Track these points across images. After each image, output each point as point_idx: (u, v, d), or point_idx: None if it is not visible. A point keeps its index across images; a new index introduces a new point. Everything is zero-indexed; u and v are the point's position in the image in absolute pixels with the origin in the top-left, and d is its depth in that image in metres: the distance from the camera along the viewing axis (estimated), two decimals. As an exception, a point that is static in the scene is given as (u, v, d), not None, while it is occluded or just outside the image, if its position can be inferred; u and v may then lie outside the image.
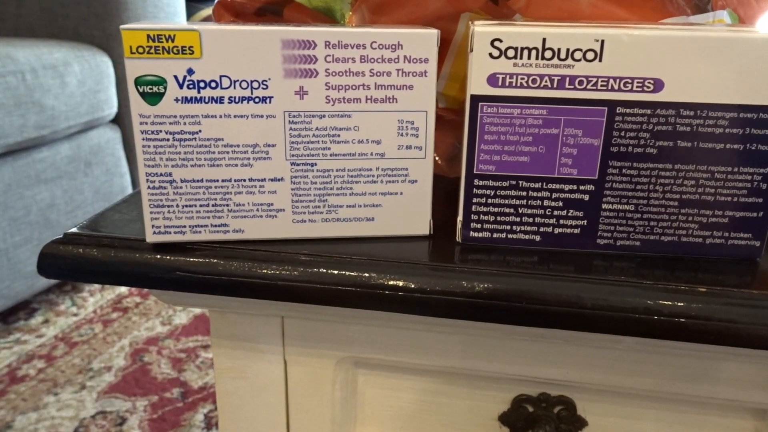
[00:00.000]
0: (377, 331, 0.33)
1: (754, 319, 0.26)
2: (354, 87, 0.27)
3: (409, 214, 0.30)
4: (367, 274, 0.29)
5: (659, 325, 0.26)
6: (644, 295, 0.27)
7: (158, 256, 0.29)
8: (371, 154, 0.28)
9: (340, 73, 0.27)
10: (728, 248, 0.29)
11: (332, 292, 0.29)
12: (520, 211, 0.29)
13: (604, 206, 0.29)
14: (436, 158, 0.38)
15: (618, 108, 0.27)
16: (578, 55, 0.26)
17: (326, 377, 0.35)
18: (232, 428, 0.38)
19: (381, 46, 0.27)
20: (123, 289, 1.24)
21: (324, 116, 0.28)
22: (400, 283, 0.28)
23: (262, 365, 0.35)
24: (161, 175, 0.28)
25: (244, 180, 0.28)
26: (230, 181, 0.28)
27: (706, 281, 0.27)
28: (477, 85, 0.27)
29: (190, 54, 0.26)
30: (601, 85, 0.27)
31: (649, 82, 0.26)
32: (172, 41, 0.26)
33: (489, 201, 0.29)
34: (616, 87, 0.27)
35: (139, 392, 0.93)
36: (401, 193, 0.29)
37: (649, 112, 0.27)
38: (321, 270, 0.29)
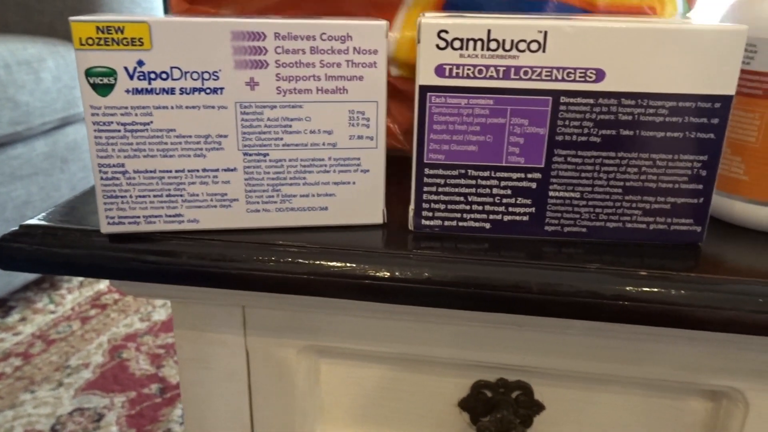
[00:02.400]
0: (339, 320, 0.34)
1: (695, 301, 0.27)
2: (304, 78, 0.28)
3: (362, 203, 0.30)
4: (321, 263, 0.29)
5: (603, 308, 0.27)
6: (589, 279, 0.27)
7: (112, 246, 0.29)
8: (323, 144, 0.29)
9: (291, 65, 0.27)
10: (671, 234, 0.30)
11: (288, 280, 0.29)
12: (470, 200, 0.30)
13: (551, 194, 0.29)
14: (396, 133, 0.38)
15: (562, 98, 0.28)
16: (522, 46, 0.27)
17: (288, 366, 0.35)
18: (196, 418, 0.38)
19: (330, 38, 0.27)
20: (102, 286, 1.23)
21: (275, 107, 0.28)
22: (354, 271, 0.29)
23: (224, 355, 0.36)
24: (114, 166, 0.28)
25: (198, 170, 0.28)
26: (183, 171, 0.28)
27: (650, 265, 0.28)
28: (425, 75, 0.28)
29: (139, 45, 0.26)
30: (545, 76, 0.27)
31: (591, 72, 0.27)
32: (122, 33, 0.26)
33: (439, 190, 0.30)
34: (559, 77, 0.27)
35: (117, 388, 0.93)
36: (354, 183, 0.30)
37: (591, 101, 0.28)
38: (276, 259, 0.29)
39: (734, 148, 0.31)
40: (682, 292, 0.27)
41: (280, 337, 0.35)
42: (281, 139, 0.29)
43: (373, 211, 0.31)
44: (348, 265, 0.29)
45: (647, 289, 0.27)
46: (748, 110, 0.30)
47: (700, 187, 0.29)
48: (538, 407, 0.35)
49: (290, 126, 0.28)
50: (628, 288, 0.27)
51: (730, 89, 0.27)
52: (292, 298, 0.33)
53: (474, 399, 0.35)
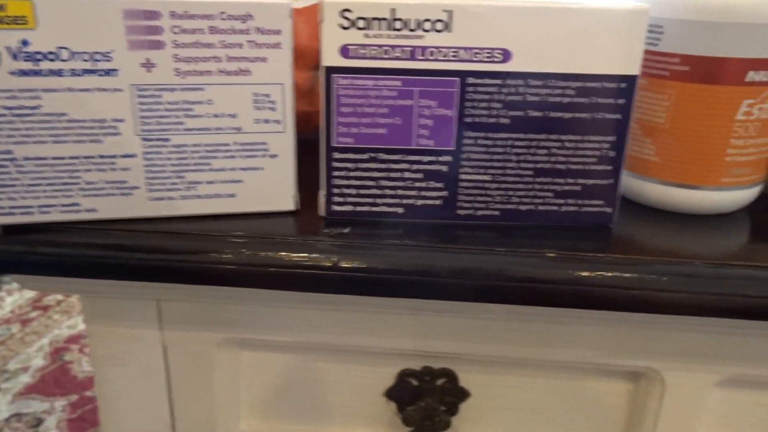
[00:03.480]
0: (257, 311, 0.33)
1: (604, 282, 0.27)
2: (204, 59, 0.27)
3: (273, 189, 0.29)
4: (229, 252, 0.28)
5: (512, 290, 0.27)
6: (497, 261, 0.27)
7: (4, 238, 0.27)
8: (227, 128, 0.28)
9: (189, 45, 0.26)
10: (582, 215, 0.30)
11: (196, 270, 0.28)
12: (381, 184, 0.29)
13: (462, 177, 0.29)
14: None
15: (469, 78, 0.27)
16: (428, 25, 0.26)
17: (208, 360, 0.34)
18: (113, 417, 0.37)
19: (230, 17, 0.26)
20: (44, 287, 1.19)
21: (175, 89, 0.27)
22: (264, 260, 0.28)
23: (140, 351, 0.34)
24: (1, 153, 0.26)
25: (93, 157, 0.27)
26: (78, 158, 0.27)
27: (560, 247, 0.28)
28: (329, 56, 0.27)
29: (23, 24, 0.25)
30: (452, 56, 0.27)
31: (497, 53, 0.27)
32: (3, 11, 0.25)
33: (350, 174, 0.29)
34: (466, 57, 0.27)
35: (58, 392, 0.90)
36: (262, 169, 0.29)
37: (499, 82, 0.27)
38: (184, 249, 0.28)
39: (645, 130, 0.31)
40: (591, 273, 0.27)
41: (198, 330, 0.34)
42: (182, 123, 0.27)
43: (284, 198, 0.30)
44: (258, 253, 0.28)
45: (556, 270, 0.27)
46: (657, 91, 0.30)
47: (610, 168, 0.29)
48: (464, 394, 0.35)
49: (192, 110, 0.27)
50: (536, 270, 0.27)
51: (634, 69, 0.27)
52: (206, 290, 0.32)
53: (400, 388, 0.35)
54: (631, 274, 0.27)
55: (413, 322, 0.32)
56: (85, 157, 0.27)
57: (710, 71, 0.28)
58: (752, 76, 0.28)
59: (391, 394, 0.35)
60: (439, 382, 0.35)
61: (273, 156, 0.29)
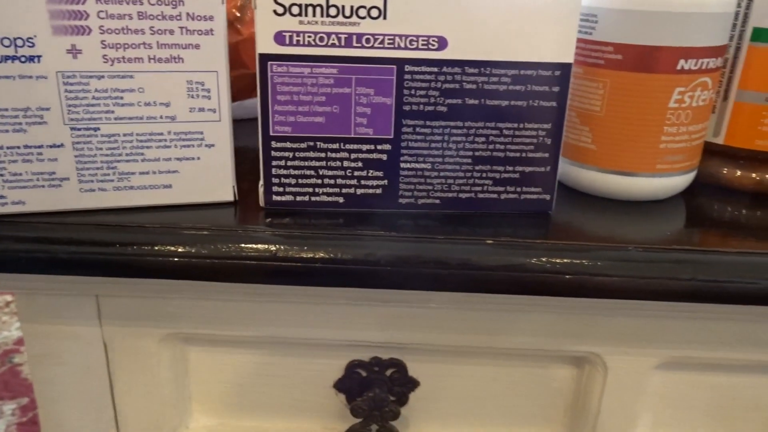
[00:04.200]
0: (201, 305, 0.32)
1: (543, 268, 0.28)
2: (134, 46, 0.26)
3: (210, 179, 0.29)
4: (167, 244, 0.27)
5: (450, 278, 0.27)
6: (435, 249, 0.27)
7: (-77, 233, 0.26)
8: (160, 117, 0.27)
9: (117, 31, 0.26)
10: (522, 202, 0.30)
11: (132, 263, 0.28)
12: (321, 173, 0.29)
13: (402, 165, 0.29)
14: None
15: (406, 66, 0.27)
16: (363, 12, 0.26)
17: (151, 356, 0.33)
18: (54, 419, 0.35)
19: (160, 2, 0.26)
20: (-8, 288, 1.15)
21: (103, 77, 0.26)
22: (202, 252, 0.27)
23: (79, 349, 0.33)
24: None
25: (18, 147, 0.26)
26: (2, 148, 0.26)
27: (499, 234, 0.28)
28: (264, 43, 0.26)
29: (-63, 8, 0.24)
30: (388, 43, 0.27)
31: (433, 40, 0.27)
32: None
33: (288, 164, 0.29)
34: (402, 45, 0.27)
35: (7, 395, 0.87)
36: (198, 158, 0.28)
37: (435, 70, 0.27)
38: (118, 242, 0.27)
39: (582, 118, 0.31)
40: (528, 259, 0.27)
41: (140, 326, 0.33)
42: (112, 112, 0.27)
43: (223, 188, 0.29)
44: (196, 245, 0.28)
45: (494, 257, 0.27)
46: (593, 80, 0.30)
47: (547, 155, 0.29)
48: (413, 383, 0.35)
49: (122, 98, 0.27)
50: (474, 256, 0.27)
51: (568, 57, 0.27)
52: (147, 284, 0.31)
53: (349, 379, 0.35)
54: (567, 259, 0.27)
55: (360, 313, 0.32)
56: (9, 147, 0.26)
57: (642, 60, 0.29)
58: (683, 64, 0.29)
59: (340, 386, 0.35)
60: (388, 372, 0.35)
61: (209, 145, 0.28)
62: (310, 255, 0.27)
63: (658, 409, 0.35)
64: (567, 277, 0.27)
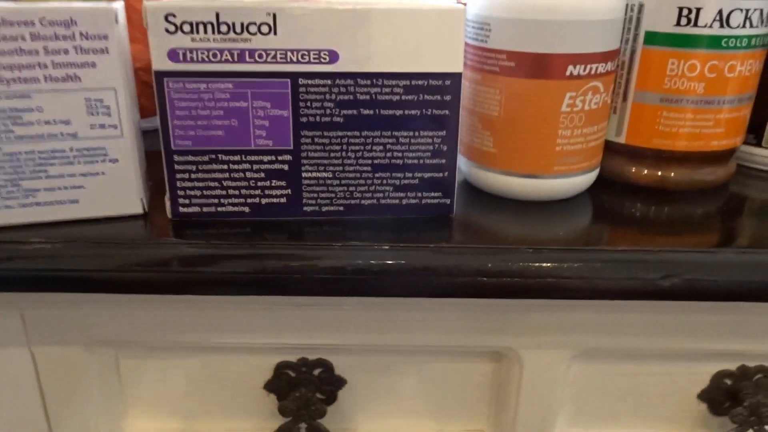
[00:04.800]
0: (126, 314, 0.33)
1: (449, 269, 0.29)
2: (29, 66, 0.27)
3: (117, 193, 0.30)
4: (78, 257, 0.28)
5: (347, 282, 0.28)
6: (332, 255, 0.28)
7: None
8: (61, 135, 0.28)
9: (10, 52, 0.26)
10: (423, 207, 0.31)
11: (43, 279, 0.28)
12: (225, 185, 0.30)
13: (305, 175, 0.30)
14: None
15: (300, 79, 0.28)
16: (253, 28, 0.27)
17: (78, 366, 0.34)
18: (-15, 432, 0.36)
19: (52, 23, 0.26)
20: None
21: (0, 98, 0.27)
22: (112, 263, 0.28)
23: (7, 364, 0.34)
24: None
25: None
26: None
27: (399, 239, 0.29)
28: (159, 60, 0.27)
29: None
30: (281, 58, 0.28)
31: (324, 54, 0.28)
32: None
33: (192, 176, 0.29)
34: (294, 59, 0.28)
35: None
36: (103, 174, 0.29)
37: (329, 82, 0.28)
38: (35, 255, 0.28)
39: (484, 123, 0.33)
40: (435, 260, 0.29)
41: (66, 337, 0.33)
42: (12, 131, 0.27)
43: (131, 201, 0.30)
44: (107, 257, 0.28)
45: (389, 261, 0.28)
46: (490, 86, 0.32)
47: (443, 161, 0.30)
48: (340, 382, 0.36)
49: (20, 117, 0.27)
50: (368, 261, 0.28)
51: (457, 67, 0.28)
52: (69, 296, 0.31)
53: (278, 380, 0.36)
54: (467, 260, 0.29)
55: (284, 316, 0.33)
56: None
57: (534, 67, 0.30)
58: (572, 70, 0.30)
59: (269, 386, 0.36)
60: (316, 372, 0.36)
61: (113, 161, 0.29)
62: (217, 266, 0.28)
63: (577, 400, 0.36)
64: (468, 278, 0.28)
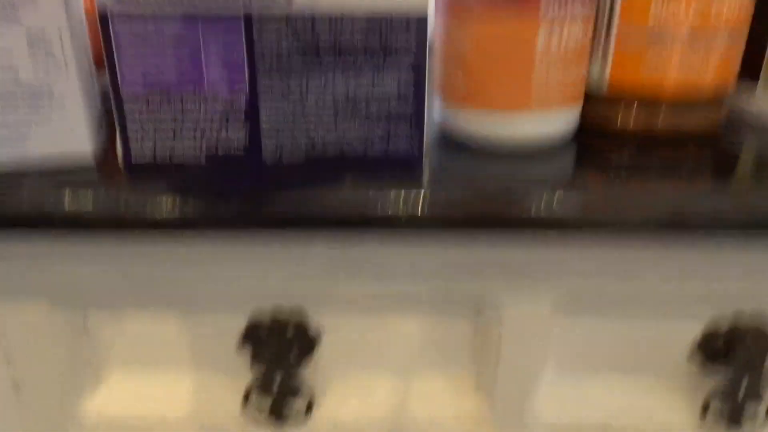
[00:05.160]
0: (90, 270, 0.32)
1: (422, 215, 0.28)
2: (-37, 2, 0.25)
3: (67, 138, 0.28)
4: (27, 203, 0.27)
5: (312, 225, 0.27)
6: (300, 199, 0.27)
7: None
8: (3, 76, 0.26)
9: (-60, -13, 0.24)
10: (390, 152, 0.30)
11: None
12: (178, 130, 0.28)
13: (264, 120, 0.28)
14: None
15: (255, 20, 0.26)
16: (203, -37, 0.25)
17: (44, 325, 0.33)
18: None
19: (-17, -45, 0.24)
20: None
21: (-67, 36, 0.25)
22: (62, 212, 0.27)
23: None
24: None
25: None
26: None
27: (372, 183, 0.28)
28: (103, 0, 0.25)
29: None
30: (233, -4, 0.26)
31: (279, -9, 0.26)
32: None
33: (144, 122, 0.28)
34: (248, -2, 0.26)
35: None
36: (51, 117, 0.28)
37: (285, 24, 0.26)
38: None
39: (456, 63, 0.31)
40: (392, 206, 0.28)
41: (27, 294, 0.33)
42: (-51, 72, 0.26)
43: (81, 147, 0.29)
44: (57, 205, 0.27)
45: (357, 205, 0.27)
46: (461, 25, 0.29)
47: (412, 107, 0.28)
48: (316, 335, 0.35)
49: (-43, 57, 0.26)
50: (336, 203, 0.27)
51: (422, 7, 0.26)
52: (22, 248, 0.31)
53: (252, 332, 0.35)
54: (437, 205, 0.28)
55: (254, 267, 0.32)
56: None
57: (507, 4, 0.28)
58: (547, 6, 0.28)
59: (244, 339, 0.35)
60: (290, 324, 0.35)
61: (60, 103, 0.28)
62: (171, 214, 0.27)
63: (559, 350, 0.35)
64: (437, 224, 0.27)
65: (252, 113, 0.28)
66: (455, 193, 0.28)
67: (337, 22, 0.26)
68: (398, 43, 0.27)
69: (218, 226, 0.28)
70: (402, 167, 0.30)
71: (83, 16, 0.29)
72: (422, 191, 0.28)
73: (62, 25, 0.26)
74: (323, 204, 0.28)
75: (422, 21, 0.27)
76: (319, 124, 0.29)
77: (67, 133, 0.28)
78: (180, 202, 0.28)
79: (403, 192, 0.28)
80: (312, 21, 0.26)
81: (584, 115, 0.34)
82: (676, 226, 0.28)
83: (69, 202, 0.27)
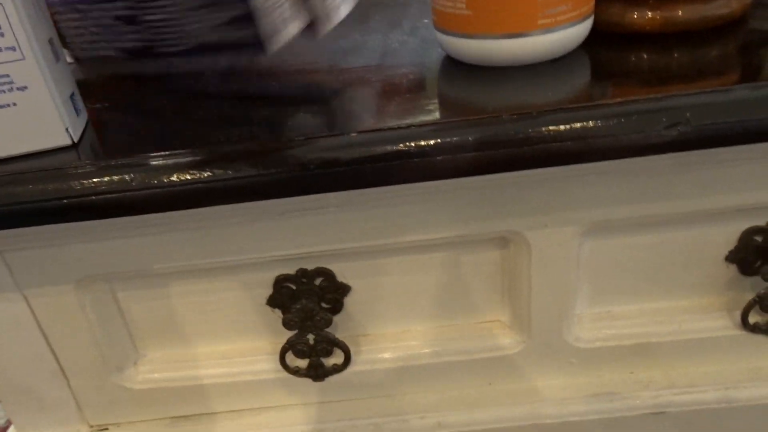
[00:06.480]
0: (111, 245, 0.30)
1: (436, 148, 0.25)
2: None
3: (39, 124, 0.26)
4: (22, 188, 0.25)
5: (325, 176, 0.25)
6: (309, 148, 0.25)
7: None
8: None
9: None
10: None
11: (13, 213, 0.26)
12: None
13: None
14: None
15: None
16: None
17: (70, 302, 0.32)
18: (2, 379, 0.35)
19: None
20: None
21: None
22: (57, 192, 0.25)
23: (5, 308, 0.32)
24: None
25: None
26: None
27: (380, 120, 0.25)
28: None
29: None
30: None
31: None
32: None
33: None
34: None
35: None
36: (15, 104, 0.25)
37: None
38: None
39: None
40: (405, 143, 0.25)
41: (51, 274, 0.31)
42: None
43: (55, 132, 0.26)
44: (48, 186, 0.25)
45: (370, 146, 0.25)
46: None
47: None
48: (344, 289, 0.33)
49: None
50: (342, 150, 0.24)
51: None
52: (48, 232, 0.29)
53: (279, 295, 0.33)
54: (449, 137, 0.25)
55: (279, 226, 0.30)
56: None
57: None
58: None
59: (272, 302, 0.34)
60: (317, 282, 0.33)
61: (21, 88, 0.25)
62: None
63: (595, 278, 0.33)
64: (452, 157, 0.25)
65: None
66: (465, 126, 0.25)
67: None
68: None
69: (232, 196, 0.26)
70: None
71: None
72: (431, 122, 0.25)
73: (6, 1, 0.23)
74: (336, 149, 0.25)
75: None
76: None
77: (36, 117, 0.26)
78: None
79: (411, 127, 0.25)
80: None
81: (598, 18, 0.31)
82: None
83: (76, 188, 0.25)
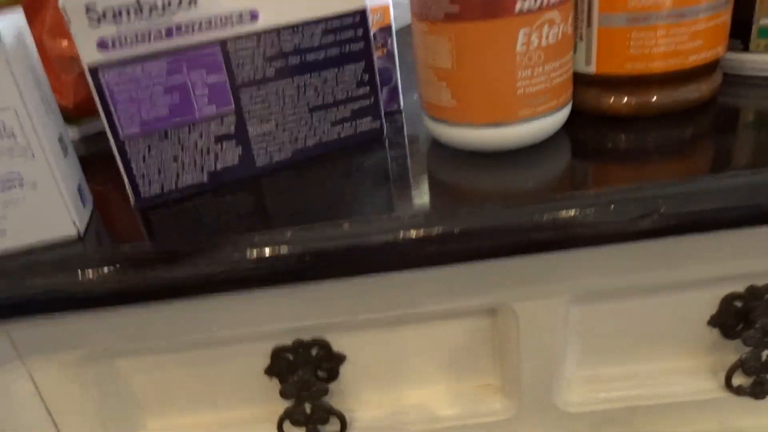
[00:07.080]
0: (114, 320, 0.32)
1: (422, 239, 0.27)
2: None
3: (47, 217, 0.27)
4: (41, 279, 0.27)
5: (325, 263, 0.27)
6: (311, 237, 0.27)
7: None
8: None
9: None
10: (359, 135, 0.33)
11: (29, 300, 0.28)
12: (180, 159, 0.30)
13: (251, 130, 0.31)
14: None
15: (228, 43, 0.29)
16: (174, 5, 0.27)
17: (74, 377, 0.33)
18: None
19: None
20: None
21: None
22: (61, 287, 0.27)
23: (9, 383, 0.33)
24: None
25: None
26: None
27: (377, 212, 0.28)
28: (88, 54, 0.27)
29: None
30: (206, 27, 0.28)
31: (246, 14, 0.28)
32: None
33: (146, 159, 0.30)
34: (219, 25, 0.28)
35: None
36: (24, 199, 0.26)
37: (255, 40, 0.29)
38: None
39: (438, 75, 0.30)
40: (396, 235, 0.27)
41: (55, 351, 0.33)
42: None
43: (63, 223, 0.27)
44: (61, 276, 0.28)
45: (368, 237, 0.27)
46: (438, 34, 0.29)
47: (368, 89, 0.32)
48: (339, 358, 0.34)
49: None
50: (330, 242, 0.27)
51: (360, 3, 0.30)
52: (50, 316, 0.31)
53: (276, 365, 0.34)
54: (434, 229, 0.27)
55: (277, 302, 0.32)
56: None
57: (479, 7, 0.28)
58: (522, 5, 0.27)
59: (270, 372, 0.35)
60: (313, 351, 0.34)
61: (32, 185, 0.26)
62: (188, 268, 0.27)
63: (583, 342, 0.34)
64: (438, 246, 0.26)
65: (240, 127, 0.31)
66: (449, 216, 0.27)
67: (298, 29, 0.30)
68: (348, 36, 0.31)
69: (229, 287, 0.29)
70: (370, 142, 0.34)
71: (49, 89, 0.28)
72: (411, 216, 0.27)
73: (18, 107, 0.25)
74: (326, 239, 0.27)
75: (362, 11, 0.31)
76: (297, 121, 0.32)
77: (46, 211, 0.27)
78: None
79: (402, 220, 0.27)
80: (278, 33, 0.29)
81: (576, 101, 0.33)
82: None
83: (77, 281, 0.27)
